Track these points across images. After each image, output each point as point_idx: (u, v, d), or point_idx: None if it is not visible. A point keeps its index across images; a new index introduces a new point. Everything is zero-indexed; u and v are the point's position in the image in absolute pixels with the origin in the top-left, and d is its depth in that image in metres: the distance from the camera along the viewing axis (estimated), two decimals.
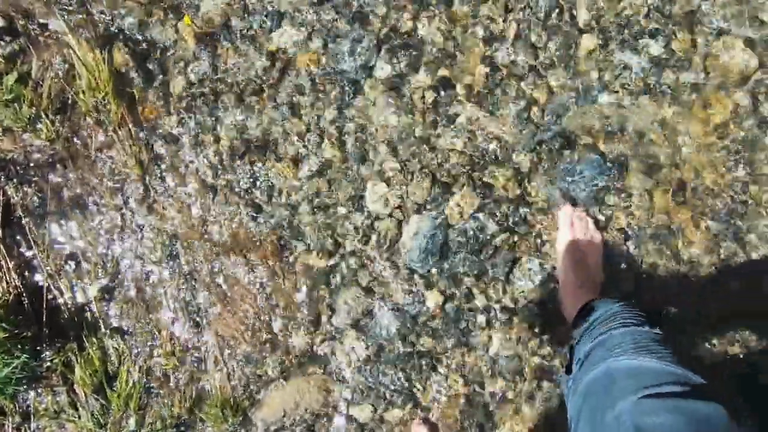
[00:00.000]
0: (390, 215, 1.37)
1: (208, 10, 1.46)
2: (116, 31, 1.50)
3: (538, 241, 1.32)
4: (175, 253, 1.44)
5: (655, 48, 1.31)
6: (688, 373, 0.74)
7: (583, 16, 1.33)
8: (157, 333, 1.43)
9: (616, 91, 1.32)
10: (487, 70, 1.35)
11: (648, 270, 1.29)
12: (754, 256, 1.26)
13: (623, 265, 1.29)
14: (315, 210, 1.40)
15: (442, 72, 1.37)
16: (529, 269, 1.31)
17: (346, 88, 1.40)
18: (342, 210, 1.39)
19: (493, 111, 1.35)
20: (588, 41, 1.33)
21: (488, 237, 1.33)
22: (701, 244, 1.27)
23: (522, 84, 1.34)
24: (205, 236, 1.43)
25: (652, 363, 0.78)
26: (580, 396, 0.82)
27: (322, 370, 1.38)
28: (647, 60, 1.30)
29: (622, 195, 1.30)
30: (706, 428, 0.63)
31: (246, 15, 1.45)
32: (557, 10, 1.34)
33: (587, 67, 1.33)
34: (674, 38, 1.30)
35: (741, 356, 1.27)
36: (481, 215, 1.34)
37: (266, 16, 1.43)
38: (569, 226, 1.26)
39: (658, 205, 1.29)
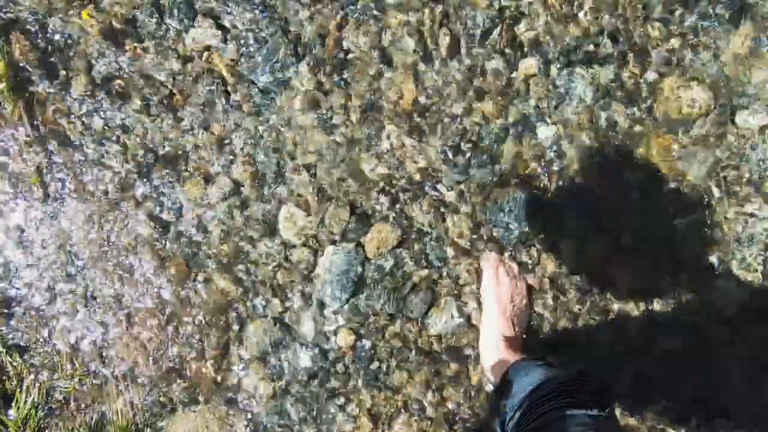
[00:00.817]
0: (304, 244, 1.27)
1: (114, 1, 1.31)
2: (13, 19, 1.34)
3: (459, 282, 1.23)
4: (75, 271, 1.34)
5: (604, 76, 1.18)
6: None
7: (526, 35, 1.19)
8: (56, 354, 1.35)
9: (556, 123, 1.19)
10: (417, 91, 1.22)
11: (573, 319, 1.21)
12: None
13: (547, 314, 1.21)
14: (226, 232, 1.29)
15: (368, 90, 1.24)
16: (448, 311, 1.23)
17: (263, 102, 1.27)
18: (254, 234, 1.29)
19: (422, 138, 1.23)
20: (529, 65, 1.20)
21: (406, 274, 1.24)
22: (629, 296, 1.18)
23: (453, 109, 1.22)
24: (108, 254, 1.33)
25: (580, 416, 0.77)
26: None
27: (226, 402, 1.31)
28: (592, 89, 1.17)
29: (551, 239, 1.20)
30: None
31: (156, 9, 1.29)
32: (498, 28, 1.19)
33: (526, 93, 1.20)
34: (625, 67, 1.17)
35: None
36: (400, 251, 1.24)
37: (179, 10, 1.28)
38: (494, 274, 1.17)
39: (589, 251, 1.19)
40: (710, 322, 1.14)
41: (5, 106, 1.31)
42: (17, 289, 1.36)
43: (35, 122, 1.34)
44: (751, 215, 1.14)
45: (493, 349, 1.14)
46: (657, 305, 1.16)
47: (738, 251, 1.14)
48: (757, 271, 1.13)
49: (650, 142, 1.17)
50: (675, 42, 1.15)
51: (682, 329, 1.15)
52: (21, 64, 1.34)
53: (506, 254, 1.20)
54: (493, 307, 1.15)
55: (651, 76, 1.16)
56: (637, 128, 1.16)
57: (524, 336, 1.18)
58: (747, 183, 1.13)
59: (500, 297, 1.15)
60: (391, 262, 1.24)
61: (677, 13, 1.15)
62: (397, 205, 1.23)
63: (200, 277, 1.30)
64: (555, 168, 1.19)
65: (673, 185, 1.16)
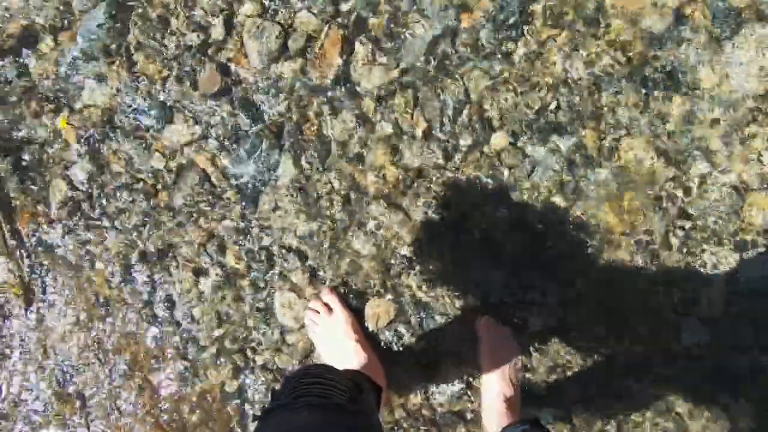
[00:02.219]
0: (302, 327, 1.29)
1: (89, 104, 1.32)
2: None
3: (457, 349, 1.28)
4: (65, 379, 1.31)
5: (567, 145, 1.28)
6: None
7: (493, 113, 1.29)
8: None
9: (527, 188, 1.29)
10: (398, 170, 1.29)
11: (565, 371, 1.28)
12: None
13: (541, 368, 1.28)
14: (219, 323, 1.30)
15: (351, 173, 1.30)
16: (450, 380, 1.28)
17: (248, 192, 1.30)
18: (250, 322, 1.30)
19: (406, 214, 1.29)
20: (499, 139, 1.29)
21: (406, 345, 1.28)
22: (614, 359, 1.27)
23: (433, 185, 1.29)
24: (99, 357, 1.31)
25: None
26: None
27: None
28: (558, 157, 1.27)
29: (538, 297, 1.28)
30: None
31: (133, 109, 1.31)
32: (467, 107, 1.28)
33: (499, 165, 1.29)
34: (583, 135, 1.28)
35: None
36: (398, 324, 1.29)
37: (155, 110, 1.30)
38: (489, 339, 1.23)
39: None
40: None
41: None
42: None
43: (15, 228, 1.32)
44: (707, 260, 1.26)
45: (495, 413, 1.19)
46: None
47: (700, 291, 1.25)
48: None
49: (617, 200, 1.27)
50: (625, 109, 1.27)
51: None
52: None
53: (496, 321, 1.26)
54: (492, 371, 1.21)
55: (608, 141, 1.27)
56: (602, 191, 1.27)
57: (518, 395, 1.24)
58: (702, 231, 1.25)
59: (498, 361, 1.22)
60: (390, 334, 1.28)
61: (623, 83, 1.27)
62: (390, 281, 1.28)
63: (198, 372, 1.30)
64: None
65: (638, 237, 1.27)
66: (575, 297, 1.26)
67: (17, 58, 1.33)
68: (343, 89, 1.28)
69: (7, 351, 1.32)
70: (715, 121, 1.24)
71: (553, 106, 1.27)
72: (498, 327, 1.24)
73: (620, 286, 1.26)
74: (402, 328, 1.28)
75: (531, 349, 1.27)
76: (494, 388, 1.21)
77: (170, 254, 1.31)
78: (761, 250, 1.23)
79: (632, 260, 1.26)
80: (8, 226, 1.31)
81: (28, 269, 1.31)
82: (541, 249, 1.27)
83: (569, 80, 1.27)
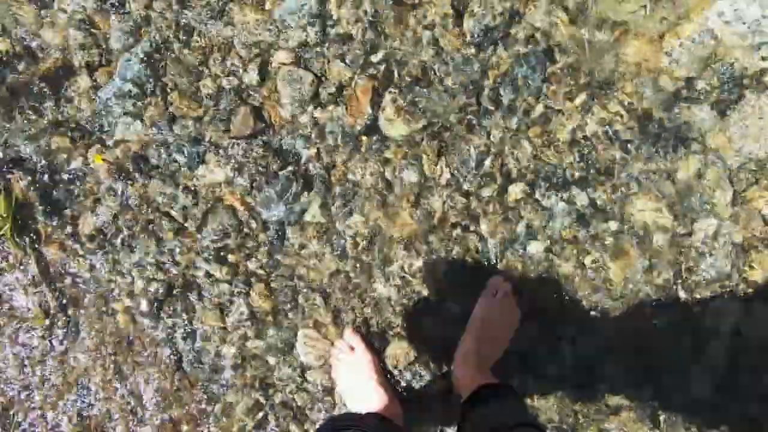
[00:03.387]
0: (323, 365, 1.33)
1: (123, 140, 1.35)
2: (14, 158, 1.35)
3: None
4: (86, 412, 1.32)
5: (581, 198, 1.35)
6: None
7: (512, 165, 1.35)
8: None
9: (540, 239, 1.34)
10: (421, 216, 1.34)
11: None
12: None
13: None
14: (242, 360, 1.33)
15: (376, 217, 1.34)
16: None
17: (276, 231, 1.34)
18: (272, 360, 1.33)
19: (428, 259, 1.34)
20: (516, 189, 1.35)
21: (427, 385, 1.32)
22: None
23: (455, 232, 1.34)
24: (121, 391, 1.32)
25: None
26: None
27: None
28: (573, 210, 1.34)
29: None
30: None
31: (166, 148, 1.35)
32: (490, 158, 1.34)
33: (516, 215, 1.35)
34: (598, 188, 1.35)
35: None
36: (418, 365, 1.32)
37: (188, 149, 1.34)
38: (491, 294, 1.26)
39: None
40: None
41: (10, 250, 1.30)
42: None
43: (41, 261, 1.33)
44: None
45: (469, 363, 1.19)
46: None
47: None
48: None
49: (626, 251, 1.34)
50: (636, 166, 1.35)
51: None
52: (24, 203, 1.34)
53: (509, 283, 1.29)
54: (479, 322, 1.23)
55: (619, 195, 1.34)
56: (613, 240, 1.34)
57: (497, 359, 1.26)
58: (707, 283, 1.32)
59: (491, 315, 1.23)
60: (410, 375, 1.32)
61: (635, 143, 1.35)
62: (410, 322, 1.33)
63: (217, 408, 1.32)
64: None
65: (647, 289, 1.33)
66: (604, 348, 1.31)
67: (54, 93, 1.36)
68: (371, 137, 1.33)
69: (29, 381, 1.33)
70: (720, 182, 1.32)
71: (569, 161, 1.34)
72: (506, 290, 1.26)
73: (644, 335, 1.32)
74: (422, 369, 1.32)
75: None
76: (474, 339, 1.21)
77: (196, 290, 1.34)
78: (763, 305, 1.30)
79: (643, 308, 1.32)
80: (36, 254, 1.33)
81: (53, 299, 1.33)
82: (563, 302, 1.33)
83: (585, 135, 1.34)
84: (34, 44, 1.36)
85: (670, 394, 1.30)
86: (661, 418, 1.30)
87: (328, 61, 1.33)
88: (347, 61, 1.33)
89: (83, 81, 1.36)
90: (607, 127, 1.34)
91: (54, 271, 1.34)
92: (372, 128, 1.33)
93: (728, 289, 1.30)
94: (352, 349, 1.28)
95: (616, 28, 1.34)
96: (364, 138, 1.33)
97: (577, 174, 1.35)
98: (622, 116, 1.34)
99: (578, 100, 1.33)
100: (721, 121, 1.32)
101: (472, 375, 1.16)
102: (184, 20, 1.35)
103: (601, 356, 1.31)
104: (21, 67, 1.36)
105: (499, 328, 1.25)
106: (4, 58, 1.35)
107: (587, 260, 1.34)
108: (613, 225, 1.34)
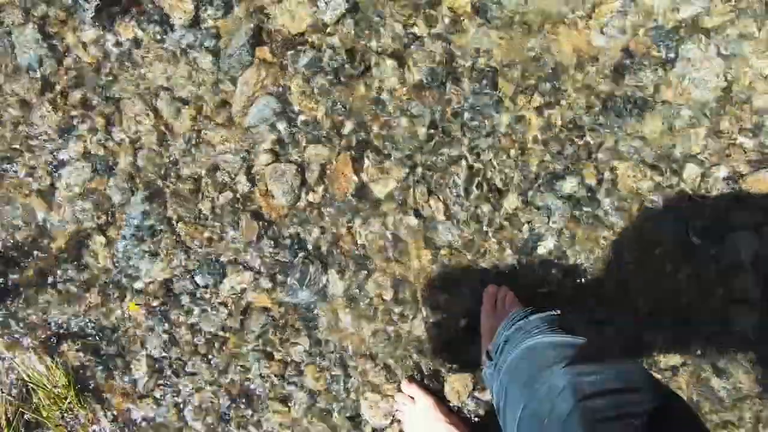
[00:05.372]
0: (392, 423, 1.38)
1: (148, 281, 1.46)
2: (60, 331, 1.46)
3: None
4: None
5: (571, 185, 1.42)
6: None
7: (497, 180, 1.44)
8: None
9: (547, 237, 1.41)
10: (434, 254, 1.42)
11: None
12: None
13: None
14: None
15: (393, 270, 1.42)
16: None
17: (309, 314, 1.42)
18: None
19: (455, 290, 1.41)
20: (510, 200, 1.43)
21: (489, 410, 1.37)
22: None
23: (469, 256, 1.42)
24: None
25: (568, 338, 0.85)
26: (505, 374, 0.86)
27: None
28: (568, 200, 1.41)
29: None
30: (632, 378, 0.68)
31: (188, 274, 1.45)
32: (475, 180, 1.43)
33: (518, 222, 1.42)
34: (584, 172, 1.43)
35: None
36: (477, 392, 1.37)
37: (207, 269, 1.45)
38: (491, 302, 1.30)
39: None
40: None
41: (79, 414, 1.39)
42: None
43: (110, 414, 1.42)
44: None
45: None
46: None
47: None
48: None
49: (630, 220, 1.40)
50: (610, 139, 1.43)
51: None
52: (78, 366, 1.44)
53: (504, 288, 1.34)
54: (488, 336, 1.27)
55: (607, 174, 1.42)
56: (615, 218, 1.40)
57: None
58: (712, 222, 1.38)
59: (491, 324, 1.26)
60: (472, 405, 1.36)
61: (600, 120, 1.43)
62: (455, 353, 1.38)
63: None
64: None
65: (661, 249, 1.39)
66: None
67: (77, 259, 1.48)
68: (364, 200, 1.43)
69: None
70: (691, 125, 1.39)
71: (547, 158, 1.43)
72: (502, 293, 1.30)
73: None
74: (482, 395, 1.37)
75: None
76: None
77: (255, 392, 1.41)
78: None
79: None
80: (104, 409, 1.42)
81: None
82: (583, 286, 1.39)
83: (553, 131, 1.43)
84: (47, 225, 1.49)
85: (717, 339, 1.33)
86: (719, 364, 1.33)
87: (304, 148, 1.45)
88: (321, 142, 1.44)
89: (99, 241, 1.48)
90: (570, 116, 1.43)
91: (124, 418, 1.42)
92: (362, 192, 1.43)
93: (735, 221, 1.35)
94: (413, 398, 1.34)
95: (545, 23, 1.45)
96: (358, 204, 1.43)
97: (558, 166, 1.43)
98: (578, 103, 1.43)
99: (535, 103, 1.43)
100: (668, 74, 1.40)
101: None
102: (168, 158, 1.48)
103: (641, 326, 1.35)
104: (42, 246, 1.48)
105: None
106: (26, 247, 1.48)
107: (599, 240, 1.40)
108: (607, 202, 1.40)
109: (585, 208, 1.40)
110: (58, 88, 1.54)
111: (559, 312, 0.97)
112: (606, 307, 1.38)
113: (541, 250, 1.41)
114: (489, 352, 1.04)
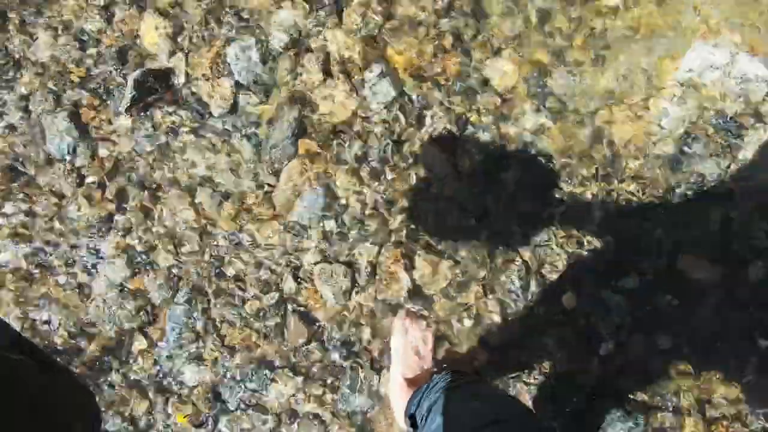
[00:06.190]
0: None
1: (194, 385, 1.41)
2: None
3: None
4: None
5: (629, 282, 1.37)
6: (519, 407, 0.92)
7: (553, 276, 1.38)
8: None
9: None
10: (491, 355, 1.37)
11: None
12: None
13: None
14: None
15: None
16: None
17: (363, 419, 1.37)
18: None
19: (509, 386, 1.36)
20: (567, 297, 1.38)
21: None
22: None
23: (525, 357, 1.36)
24: None
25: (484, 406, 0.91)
26: None
27: None
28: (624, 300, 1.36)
29: None
30: None
31: (234, 380, 1.40)
32: (532, 281, 1.38)
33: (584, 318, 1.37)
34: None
35: None
36: None
37: (254, 373, 1.39)
38: (401, 326, 1.27)
39: None
40: None
41: None
42: None
43: None
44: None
45: (398, 391, 1.23)
46: None
47: None
48: None
49: None
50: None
51: None
52: None
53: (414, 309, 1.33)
54: (397, 354, 1.25)
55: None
56: None
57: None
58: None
59: (406, 345, 1.25)
60: None
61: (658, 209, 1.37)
62: None
63: None
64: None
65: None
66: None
67: (116, 362, 1.43)
68: (416, 300, 1.37)
69: None
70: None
71: (602, 246, 1.37)
72: (413, 321, 1.28)
73: None
74: None
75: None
76: (396, 369, 1.24)
77: None
78: None
79: None
80: None
81: None
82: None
83: (612, 224, 1.37)
84: (85, 325, 1.44)
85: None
86: None
87: (353, 246, 1.39)
88: (369, 239, 1.39)
89: (140, 342, 1.42)
90: (626, 201, 1.37)
91: None
92: (415, 292, 1.37)
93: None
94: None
95: (599, 110, 1.39)
96: (411, 303, 1.37)
97: (612, 256, 1.37)
98: (637, 191, 1.37)
99: (592, 189, 1.37)
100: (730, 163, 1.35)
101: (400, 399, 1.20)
102: (210, 255, 1.42)
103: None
104: (80, 347, 1.43)
105: (416, 351, 1.26)
106: (63, 348, 1.43)
107: None
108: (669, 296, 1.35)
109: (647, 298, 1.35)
110: (92, 179, 1.49)
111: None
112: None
113: (602, 350, 1.36)
114: (413, 419, 1.05)
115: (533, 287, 1.37)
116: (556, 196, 1.38)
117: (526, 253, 1.38)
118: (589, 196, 1.38)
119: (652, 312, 1.35)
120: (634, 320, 1.35)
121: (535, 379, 1.35)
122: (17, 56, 1.53)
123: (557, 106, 1.39)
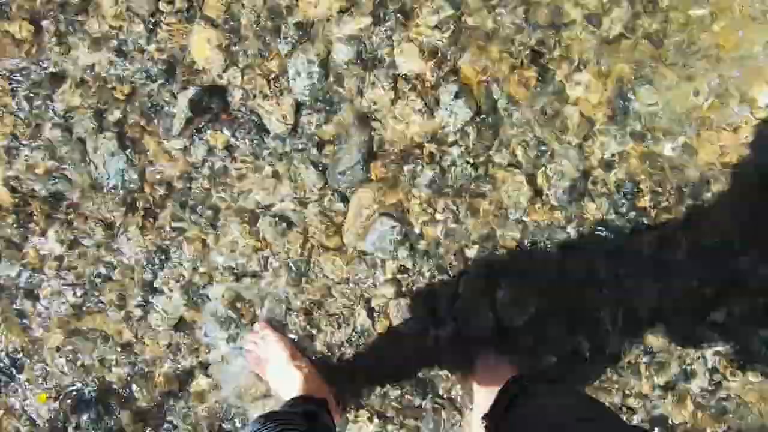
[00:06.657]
0: None
1: None
2: None
3: None
4: None
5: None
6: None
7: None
8: None
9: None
10: None
11: None
12: None
13: None
14: None
15: None
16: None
17: None
18: None
19: None
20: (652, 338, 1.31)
21: None
22: None
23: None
24: None
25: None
26: None
27: None
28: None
29: None
30: None
31: None
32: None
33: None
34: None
35: None
36: None
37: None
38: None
39: None
40: None
41: None
42: None
43: None
44: None
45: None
46: None
47: None
48: None
49: None
50: None
51: None
52: None
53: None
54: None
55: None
56: None
57: None
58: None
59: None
60: None
61: None
62: None
63: None
64: None
65: None
66: None
67: (177, 402, 1.34)
68: (500, 335, 1.30)
69: None
70: None
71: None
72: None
73: None
74: None
75: None
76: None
77: None
78: None
79: None
80: None
81: None
82: None
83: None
84: (143, 366, 1.35)
85: None
86: None
87: (431, 277, 1.31)
88: (447, 271, 1.31)
89: (201, 380, 1.34)
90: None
91: None
92: (499, 328, 1.30)
93: None
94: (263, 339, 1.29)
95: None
96: (493, 339, 1.30)
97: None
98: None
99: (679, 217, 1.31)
100: None
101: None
102: (274, 287, 1.33)
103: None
104: (139, 386, 1.35)
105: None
106: (120, 389, 1.34)
107: None
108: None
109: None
110: (142, 205, 1.38)
111: None
112: None
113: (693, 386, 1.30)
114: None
115: (621, 324, 1.31)
116: (640, 222, 1.31)
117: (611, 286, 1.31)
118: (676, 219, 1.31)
119: None
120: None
121: None
122: (55, 70, 1.39)
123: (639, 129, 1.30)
